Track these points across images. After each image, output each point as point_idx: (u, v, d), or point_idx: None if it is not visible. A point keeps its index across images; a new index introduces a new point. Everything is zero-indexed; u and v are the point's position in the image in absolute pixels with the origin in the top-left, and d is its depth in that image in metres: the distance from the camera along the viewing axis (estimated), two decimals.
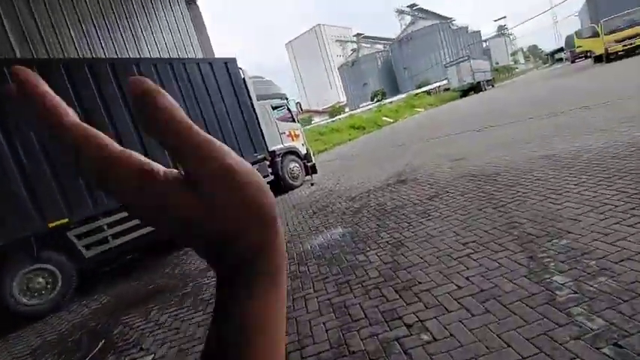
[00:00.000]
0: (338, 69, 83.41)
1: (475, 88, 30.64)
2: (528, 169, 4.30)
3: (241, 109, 7.39)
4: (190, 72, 6.53)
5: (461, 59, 32.46)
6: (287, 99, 9.05)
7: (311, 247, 3.94)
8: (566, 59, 43.71)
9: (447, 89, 34.99)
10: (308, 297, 2.77)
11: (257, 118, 7.77)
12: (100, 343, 3.08)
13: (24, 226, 4.25)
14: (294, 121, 9.08)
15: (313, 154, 15.50)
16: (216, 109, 6.84)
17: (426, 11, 73.36)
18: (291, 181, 8.47)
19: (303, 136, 9.22)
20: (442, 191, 4.52)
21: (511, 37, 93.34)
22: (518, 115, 8.98)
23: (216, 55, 12.56)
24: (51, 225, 4.46)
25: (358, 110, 36.96)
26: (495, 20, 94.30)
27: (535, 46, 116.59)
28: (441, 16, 73.65)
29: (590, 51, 19.18)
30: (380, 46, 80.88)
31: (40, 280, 4.35)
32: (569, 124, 6.26)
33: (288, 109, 9.04)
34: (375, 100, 54.88)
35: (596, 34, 17.31)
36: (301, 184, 8.76)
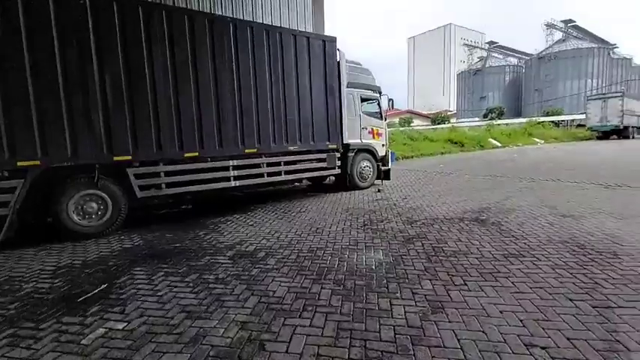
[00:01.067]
0: (457, 75, 77.28)
1: (620, 132, 25.01)
2: None
3: (327, 93, 6.97)
4: (285, 42, 6.30)
5: (611, 94, 26.70)
6: (380, 92, 8.31)
7: (338, 264, 3.36)
8: None
9: (582, 125, 29.38)
10: (298, 332, 2.23)
11: (341, 106, 7.28)
12: (101, 287, 3.04)
13: (94, 154, 4.57)
14: (381, 118, 8.33)
15: (396, 159, 14.60)
16: (300, 86, 6.54)
17: (584, 30, 62.12)
18: (359, 181, 7.85)
19: (386, 136, 8.43)
20: (527, 252, 3.44)
21: None
22: None
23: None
24: (116, 159, 4.73)
25: (463, 124, 33.64)
26: None
27: None
28: (600, 39, 61.66)
29: None
30: (513, 60, 71.97)
31: (94, 205, 4.67)
32: None
33: (379, 105, 8.31)
34: (490, 117, 49.54)
35: None
36: (369, 187, 8.08)
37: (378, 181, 8.45)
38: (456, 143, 17.71)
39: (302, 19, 11.92)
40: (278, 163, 6.46)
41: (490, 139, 19.83)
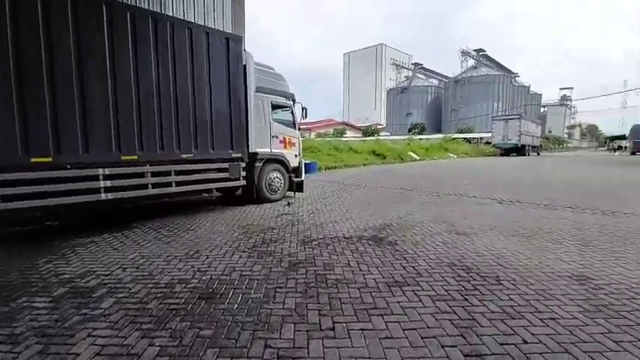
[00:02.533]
0: (387, 92, 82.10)
1: (519, 150, 28.50)
2: (550, 287, 2.88)
3: (230, 96, 6.29)
4: (178, 35, 5.50)
5: (511, 116, 30.45)
6: (294, 100, 7.88)
7: (193, 306, 2.69)
8: (625, 148, 40.59)
9: (489, 143, 32.91)
10: None
11: (247, 112, 6.66)
12: None
13: None
14: (294, 127, 7.90)
15: (318, 170, 14.38)
16: (196, 87, 5.77)
17: (492, 59, 70.84)
18: (268, 193, 7.26)
19: (299, 146, 8.01)
20: (413, 279, 3.15)
21: (572, 109, 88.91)
22: (559, 198, 7.39)
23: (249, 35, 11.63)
24: None
25: (386, 137, 35.37)
26: (561, 88, 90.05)
27: (595, 127, 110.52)
28: (505, 68, 70.92)
29: None
30: (434, 81, 78.94)
31: None
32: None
33: (292, 113, 7.87)
34: (413, 132, 53.16)
35: None
36: (280, 199, 7.53)
37: (291, 194, 7.97)
38: (378, 155, 18.24)
39: (220, 17, 11.10)
40: (167, 173, 5.57)
41: (410, 153, 20.92)
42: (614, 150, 48.18)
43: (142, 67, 5.10)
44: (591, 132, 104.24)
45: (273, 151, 7.31)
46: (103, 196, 4.87)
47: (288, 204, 7.08)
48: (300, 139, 8.18)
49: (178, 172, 5.68)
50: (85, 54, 4.57)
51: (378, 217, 5.86)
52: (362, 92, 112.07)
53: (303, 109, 7.92)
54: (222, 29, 10.79)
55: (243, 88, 6.52)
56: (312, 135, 49.26)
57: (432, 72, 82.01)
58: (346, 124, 73.63)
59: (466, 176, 12.03)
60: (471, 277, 3.21)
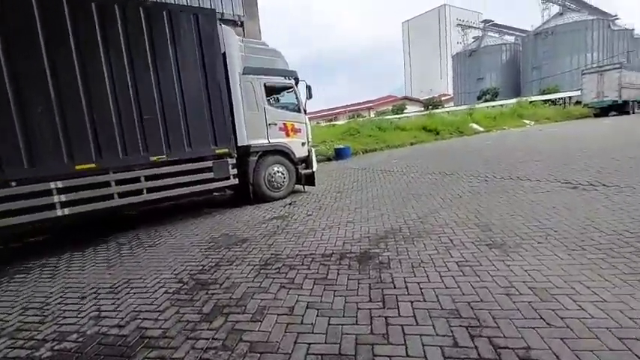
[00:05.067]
0: (452, 57, 74.36)
1: (620, 107, 22.95)
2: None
3: (207, 84, 5.36)
4: (130, 12, 4.67)
5: (608, 67, 24.60)
6: (296, 79, 6.66)
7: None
8: None
9: (579, 102, 27.28)
10: None
11: (231, 99, 5.68)
12: None
13: None
14: (299, 110, 6.70)
15: (352, 154, 12.91)
16: (160, 76, 4.93)
17: (581, 2, 59.00)
18: (268, 190, 6.27)
19: (307, 132, 6.79)
20: (371, 348, 1.87)
21: None
22: None
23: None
24: None
25: (450, 109, 31.59)
26: None
27: None
28: (600, 10, 58.51)
29: None
30: (510, 38, 68.88)
31: None
32: None
33: (295, 94, 6.67)
34: (484, 99, 47.20)
35: None
36: (286, 196, 6.50)
37: (301, 187, 6.89)
38: (430, 131, 15.93)
39: None
40: (136, 179, 4.89)
41: (471, 124, 17.98)
42: None
43: (88, 58, 4.39)
44: None
45: (272, 141, 6.24)
46: (59, 212, 4.35)
47: (290, 203, 6.01)
48: (309, 123, 6.95)
49: (149, 178, 4.97)
50: (15, 48, 3.97)
51: (388, 218, 4.47)
52: (425, 62, 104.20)
53: (307, 87, 6.65)
54: (229, 9, 9.95)
55: (222, 72, 5.54)
56: (372, 114, 46.96)
57: (507, 27, 71.61)
58: (408, 99, 69.11)
59: (537, 150, 9.52)
60: (477, 346, 1.80)
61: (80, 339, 2.32)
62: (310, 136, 6.97)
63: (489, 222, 3.89)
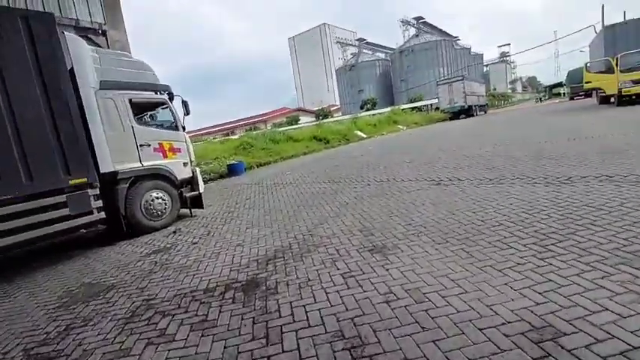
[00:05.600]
0: (335, 71, 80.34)
1: (466, 111, 28.20)
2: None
3: (49, 102, 4.40)
4: None
5: (454, 78, 29.98)
6: (171, 95, 6.07)
7: None
8: (564, 94, 42.08)
9: (438, 108, 32.51)
10: None
11: (85, 120, 4.81)
12: None
13: None
14: (176, 128, 6.12)
15: (246, 169, 12.62)
16: None
17: (432, 26, 70.93)
18: (147, 220, 5.50)
19: (188, 151, 6.23)
20: None
21: (512, 64, 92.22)
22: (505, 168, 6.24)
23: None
24: None
25: (332, 118, 33.99)
26: (499, 46, 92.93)
27: (534, 78, 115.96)
28: (445, 33, 71.40)
29: (597, 89, 16.58)
30: (381, 55, 78.16)
31: None
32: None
33: (170, 111, 6.07)
34: (365, 108, 52.14)
35: (610, 70, 14.71)
36: (170, 224, 5.81)
37: (187, 211, 6.28)
38: (321, 140, 16.71)
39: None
40: None
41: (356, 132, 19.59)
42: (540, 100, 49.80)
43: None
44: (531, 84, 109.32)
45: (146, 164, 5.52)
46: None
47: (175, 232, 5.38)
48: (189, 142, 6.40)
49: None
50: None
51: (279, 235, 4.34)
52: (313, 75, 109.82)
53: (183, 102, 6.12)
54: (85, 15, 8.66)
55: (70, 87, 4.65)
56: (269, 127, 46.93)
57: (378, 45, 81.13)
58: (301, 110, 71.61)
59: (408, 151, 10.82)
60: None
61: None
62: (193, 155, 6.42)
63: (371, 226, 4.10)
